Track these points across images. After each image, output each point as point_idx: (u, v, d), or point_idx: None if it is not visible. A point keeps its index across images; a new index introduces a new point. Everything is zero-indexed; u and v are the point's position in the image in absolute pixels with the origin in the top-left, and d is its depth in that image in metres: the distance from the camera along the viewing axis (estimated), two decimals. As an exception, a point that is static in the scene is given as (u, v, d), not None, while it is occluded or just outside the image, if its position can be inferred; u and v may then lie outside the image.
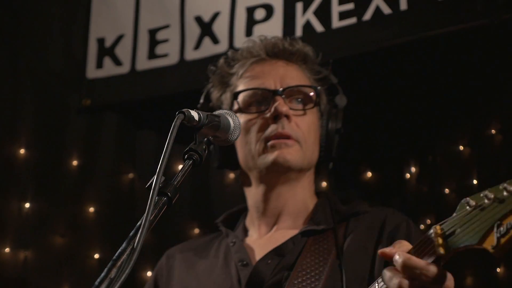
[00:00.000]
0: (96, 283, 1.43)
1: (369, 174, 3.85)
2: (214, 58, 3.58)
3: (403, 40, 3.17)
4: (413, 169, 3.73)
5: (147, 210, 1.54)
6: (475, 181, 3.35)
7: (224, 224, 2.33)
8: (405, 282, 1.53)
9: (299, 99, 2.18)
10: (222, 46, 3.57)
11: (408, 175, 3.74)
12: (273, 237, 2.22)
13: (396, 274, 1.55)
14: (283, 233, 2.20)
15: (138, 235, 1.52)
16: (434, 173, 3.60)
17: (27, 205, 3.65)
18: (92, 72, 3.88)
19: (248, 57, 2.21)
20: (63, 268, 3.61)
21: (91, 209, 3.70)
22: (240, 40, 3.54)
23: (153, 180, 1.61)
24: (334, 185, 3.83)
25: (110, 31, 3.90)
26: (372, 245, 2.12)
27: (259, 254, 2.18)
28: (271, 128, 2.12)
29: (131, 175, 3.82)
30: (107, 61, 3.86)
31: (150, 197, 1.57)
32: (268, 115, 2.12)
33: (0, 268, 3.52)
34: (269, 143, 2.12)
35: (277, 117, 2.08)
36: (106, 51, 3.87)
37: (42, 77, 3.88)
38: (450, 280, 1.59)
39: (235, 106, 2.15)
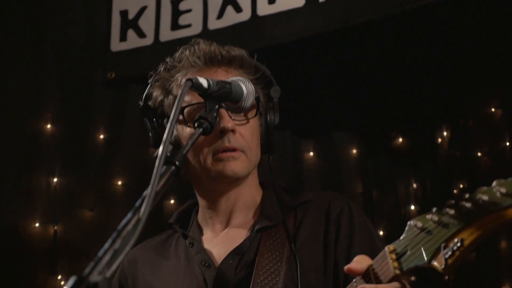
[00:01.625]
0: (100, 254, 1.39)
1: (401, 140, 3.81)
2: (237, 27, 3.57)
3: (431, 1, 3.10)
4: (445, 133, 3.68)
5: (152, 179, 1.51)
6: (507, 143, 3.29)
7: (177, 224, 2.33)
8: None
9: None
10: (245, 15, 3.53)
11: (440, 140, 3.69)
12: (228, 235, 2.25)
13: None
14: (237, 230, 2.24)
15: (144, 205, 1.49)
16: (466, 137, 3.55)
17: (55, 180, 3.67)
18: (116, 45, 3.86)
19: (188, 66, 2.20)
20: (92, 241, 3.62)
21: (119, 182, 3.71)
22: (263, 8, 3.49)
23: (160, 149, 1.57)
24: (365, 152, 3.79)
25: (133, 3, 3.87)
26: (322, 232, 2.16)
27: (218, 253, 2.21)
28: (218, 143, 2.14)
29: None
30: (131, 33, 3.83)
31: (156, 166, 1.54)
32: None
33: (30, 242, 3.56)
34: (216, 157, 2.15)
35: (223, 132, 2.11)
36: (130, 23, 3.85)
37: (67, 52, 3.87)
38: None
39: (180, 118, 2.15)
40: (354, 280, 1.73)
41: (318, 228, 2.16)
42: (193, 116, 2.04)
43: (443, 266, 1.47)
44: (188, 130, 2.18)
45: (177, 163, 1.64)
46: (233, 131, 2.13)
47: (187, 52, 2.24)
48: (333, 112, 3.81)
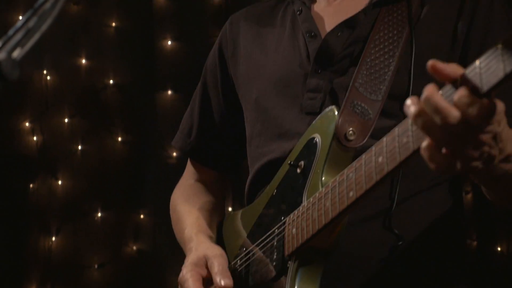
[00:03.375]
0: (10, 32, 1.27)
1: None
2: None
3: None
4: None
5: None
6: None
7: None
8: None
9: None
10: None
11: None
12: (343, 5, 1.95)
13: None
14: (354, 1, 1.93)
15: (66, -19, 1.35)
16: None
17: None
18: None
19: None
20: (79, 37, 3.54)
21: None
22: None
23: None
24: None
25: None
26: (453, 15, 1.83)
27: (328, 24, 1.93)
28: None
29: None
30: None
31: None
32: None
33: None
34: None
35: None
36: None
37: None
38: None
39: None
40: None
41: (449, 11, 1.84)
42: None
43: None
44: None
45: None
46: None
47: None
48: None
